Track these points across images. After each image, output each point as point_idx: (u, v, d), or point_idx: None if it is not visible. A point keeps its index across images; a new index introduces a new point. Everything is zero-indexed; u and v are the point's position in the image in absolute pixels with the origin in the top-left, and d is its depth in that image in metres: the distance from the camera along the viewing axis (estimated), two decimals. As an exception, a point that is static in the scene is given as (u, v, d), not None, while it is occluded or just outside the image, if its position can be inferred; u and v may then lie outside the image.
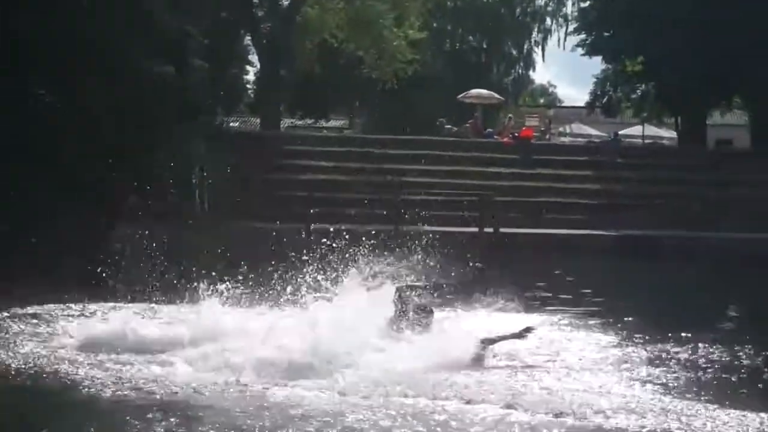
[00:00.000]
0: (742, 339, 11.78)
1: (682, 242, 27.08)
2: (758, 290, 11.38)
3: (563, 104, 77.22)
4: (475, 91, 44.12)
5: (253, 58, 43.59)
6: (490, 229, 27.05)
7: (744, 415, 8.29)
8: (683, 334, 11.96)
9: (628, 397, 8.95)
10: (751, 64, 36.95)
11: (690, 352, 11.19)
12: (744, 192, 32.47)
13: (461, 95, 44.03)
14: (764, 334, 12.27)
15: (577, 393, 8.96)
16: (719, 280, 11.77)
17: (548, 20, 48.98)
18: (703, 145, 43.42)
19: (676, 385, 9.57)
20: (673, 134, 50.03)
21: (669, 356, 10.98)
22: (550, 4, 44.96)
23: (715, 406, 8.60)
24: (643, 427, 7.93)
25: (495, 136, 40.43)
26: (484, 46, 52.74)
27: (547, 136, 46.69)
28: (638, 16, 38.98)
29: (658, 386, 9.41)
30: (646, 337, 11.76)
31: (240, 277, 12.35)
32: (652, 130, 54.36)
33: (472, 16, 55.20)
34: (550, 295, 16.86)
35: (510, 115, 43.85)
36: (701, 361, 10.79)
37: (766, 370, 10.56)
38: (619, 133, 49.57)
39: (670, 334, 11.86)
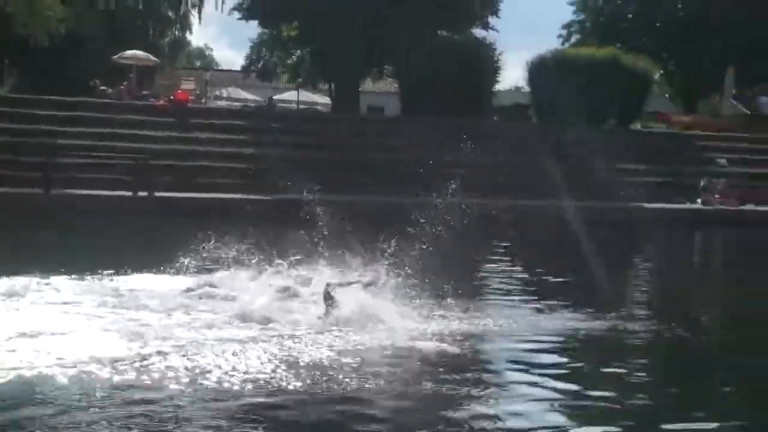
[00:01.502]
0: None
1: (337, 205, 27.94)
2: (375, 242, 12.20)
3: (220, 67, 77.47)
4: (130, 53, 43.32)
5: None
6: (145, 193, 26.91)
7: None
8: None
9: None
10: (398, 35, 38.68)
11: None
12: (392, 156, 33.83)
13: (116, 56, 43.15)
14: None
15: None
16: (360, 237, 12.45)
17: (205, -16, 48.42)
18: (356, 110, 44.89)
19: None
20: (327, 100, 51.28)
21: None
22: (207, -34, 44.59)
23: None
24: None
25: (151, 99, 40.02)
26: (141, 6, 51.80)
27: (203, 100, 46.73)
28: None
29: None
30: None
31: None
32: (307, 95, 55.47)
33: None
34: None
35: None
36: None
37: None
38: (275, 97, 50.35)
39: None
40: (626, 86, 41.32)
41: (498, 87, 46.25)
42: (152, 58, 44.95)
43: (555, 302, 12.78)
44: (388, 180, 30.18)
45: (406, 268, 11.61)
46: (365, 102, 50.65)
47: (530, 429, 7.26)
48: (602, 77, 39.96)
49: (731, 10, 50.77)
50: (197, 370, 8.31)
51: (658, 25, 57.48)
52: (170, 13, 40.31)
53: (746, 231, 30.91)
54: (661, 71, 55.75)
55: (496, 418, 7.44)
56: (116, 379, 7.95)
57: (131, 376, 8.06)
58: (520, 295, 14.05)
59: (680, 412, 7.90)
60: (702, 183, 35.45)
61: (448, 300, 11.79)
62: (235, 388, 7.92)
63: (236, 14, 43.91)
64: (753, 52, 49.97)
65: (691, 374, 9.66)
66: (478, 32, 44.57)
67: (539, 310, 12.25)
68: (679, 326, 11.56)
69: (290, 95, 54.85)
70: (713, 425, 7.60)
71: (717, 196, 34.93)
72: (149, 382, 7.94)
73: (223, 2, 40.78)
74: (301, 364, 8.74)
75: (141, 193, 27.17)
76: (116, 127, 32.94)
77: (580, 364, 9.56)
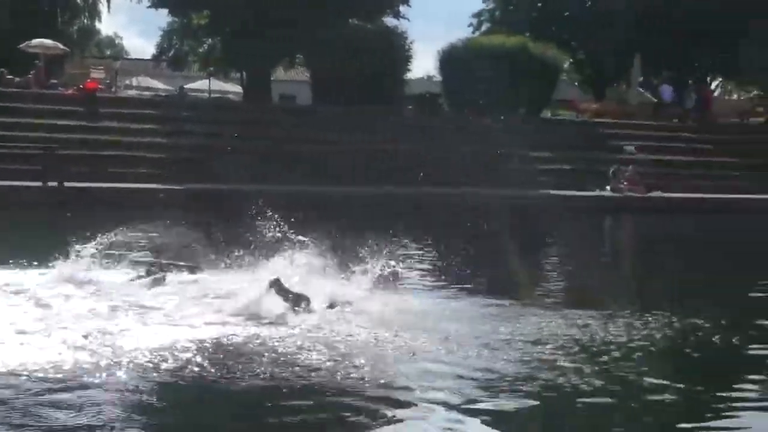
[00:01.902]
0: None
1: (247, 194, 27.90)
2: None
3: (130, 56, 76.57)
4: (37, 41, 42.50)
5: None
6: (55, 183, 26.55)
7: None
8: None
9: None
10: (309, 23, 38.78)
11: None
12: (305, 146, 33.86)
13: (23, 44, 42.38)
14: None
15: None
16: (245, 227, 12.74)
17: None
18: (268, 99, 44.80)
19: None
20: (239, 89, 51.08)
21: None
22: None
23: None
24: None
25: (60, 88, 39.42)
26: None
27: (113, 89, 46.19)
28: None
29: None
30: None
31: None
32: (218, 84, 55.18)
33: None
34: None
35: None
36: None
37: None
38: (186, 86, 49.98)
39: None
40: (536, 74, 41.53)
41: (409, 76, 46.58)
42: (61, 46, 44.17)
43: (433, 283, 13.32)
44: (301, 169, 30.16)
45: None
46: (278, 91, 50.56)
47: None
48: (512, 65, 39.92)
49: (637, 1, 51.71)
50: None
51: (567, 14, 58.31)
52: (79, 1, 39.66)
53: (653, 218, 31.54)
54: (570, 60, 56.47)
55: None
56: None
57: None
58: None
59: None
60: (611, 170, 35.77)
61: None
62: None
63: (146, 2, 43.49)
64: (658, 41, 50.91)
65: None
66: (390, 21, 44.73)
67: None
68: (520, 300, 12.15)
69: (202, 84, 54.53)
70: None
71: (625, 183, 35.24)
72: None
73: (132, -10, 40.30)
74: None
75: (51, 183, 26.81)
76: (24, 117, 32.42)
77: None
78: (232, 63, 47.58)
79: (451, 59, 42.85)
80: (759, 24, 48.47)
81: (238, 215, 13.67)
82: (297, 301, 11.18)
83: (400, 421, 7.19)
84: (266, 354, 8.90)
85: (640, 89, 52.43)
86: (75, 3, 40.14)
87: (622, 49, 51.14)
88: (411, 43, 43.07)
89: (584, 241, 24.38)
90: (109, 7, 50.79)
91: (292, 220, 12.53)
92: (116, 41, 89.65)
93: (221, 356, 8.78)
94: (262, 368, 8.41)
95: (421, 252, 17.52)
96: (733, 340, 10.47)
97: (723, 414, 7.84)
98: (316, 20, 39.03)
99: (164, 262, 13.36)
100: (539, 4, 60.13)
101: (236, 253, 12.74)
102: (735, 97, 68.25)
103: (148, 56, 58.46)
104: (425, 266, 15.94)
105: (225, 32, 43.44)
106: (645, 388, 8.30)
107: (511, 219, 23.87)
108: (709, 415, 7.84)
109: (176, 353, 8.75)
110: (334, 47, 39.34)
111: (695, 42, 51.05)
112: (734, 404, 8.08)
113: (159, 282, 12.52)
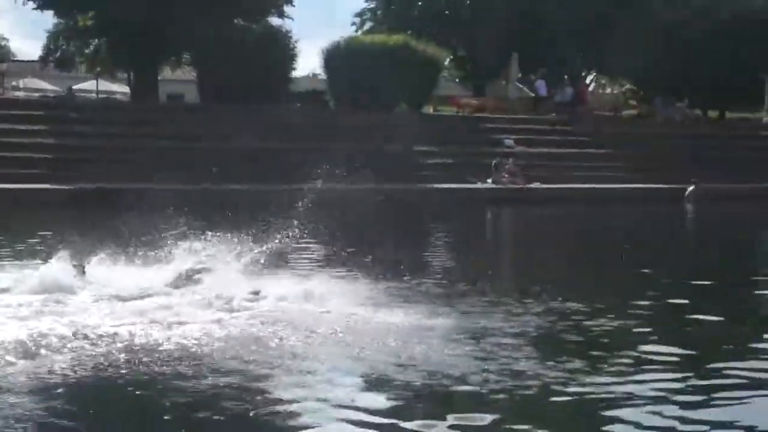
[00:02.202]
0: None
1: (131, 192, 27.98)
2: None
3: (17, 58, 75.47)
4: None
5: None
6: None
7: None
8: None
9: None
10: (194, 23, 39.07)
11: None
12: (194, 144, 34.06)
13: None
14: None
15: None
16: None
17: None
18: (156, 98, 44.88)
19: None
20: (127, 89, 50.94)
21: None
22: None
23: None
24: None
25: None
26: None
27: (1, 91, 45.85)
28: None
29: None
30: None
31: None
32: (106, 85, 54.91)
33: None
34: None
35: None
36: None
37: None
38: (74, 87, 49.75)
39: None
40: (417, 71, 42.01)
41: (295, 74, 46.94)
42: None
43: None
44: (188, 167, 30.26)
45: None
46: (165, 90, 50.62)
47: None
48: (394, 63, 40.55)
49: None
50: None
51: (447, 12, 59.35)
52: (-39, 3, 39.42)
53: (531, 208, 32.39)
54: (451, 57, 57.45)
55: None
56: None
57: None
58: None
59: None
60: (493, 163, 36.19)
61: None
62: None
63: (31, 4, 43.20)
64: (533, 39, 52.14)
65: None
66: (275, 21, 45.15)
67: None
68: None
69: (89, 85, 54.22)
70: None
71: (506, 175, 35.68)
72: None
73: (16, -8, 40.09)
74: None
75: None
76: None
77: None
78: (119, 63, 47.50)
79: (334, 57, 43.12)
80: (622, 22, 50.38)
81: (126, 213, 14.05)
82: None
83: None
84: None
85: (519, 85, 53.60)
86: (-43, 5, 39.81)
87: (501, 46, 52.33)
88: (296, 42, 43.67)
89: (460, 231, 25.25)
90: (-7, 10, 50.26)
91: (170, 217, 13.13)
92: (2, 44, 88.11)
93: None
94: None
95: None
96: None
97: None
98: (201, 20, 39.32)
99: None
100: (419, 3, 61.05)
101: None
102: (609, 90, 69.69)
103: (35, 58, 57.77)
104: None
105: (111, 33, 43.38)
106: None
107: (394, 212, 24.53)
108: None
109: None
110: (220, 47, 39.75)
111: (567, 40, 52.54)
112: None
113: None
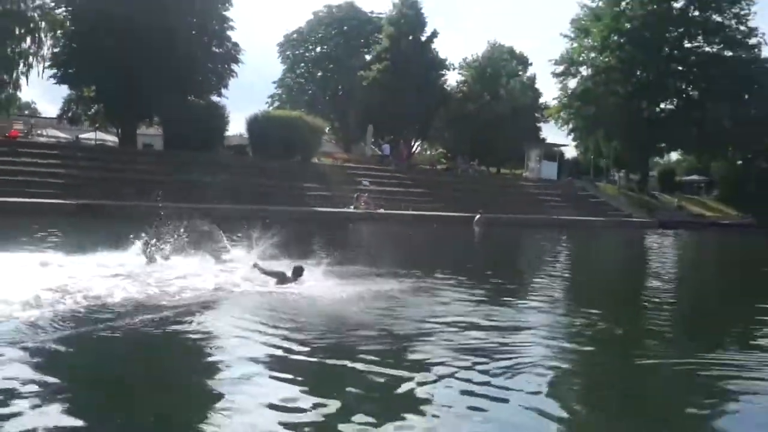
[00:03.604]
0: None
1: (113, 207, 27.41)
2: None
3: (41, 115, 73.16)
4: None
5: None
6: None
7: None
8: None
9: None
10: (161, 97, 39.00)
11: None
12: (156, 177, 33.55)
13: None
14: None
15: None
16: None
17: (31, 58, 45.84)
18: (135, 146, 44.35)
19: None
20: (116, 139, 50.05)
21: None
22: (32, 47, 42.60)
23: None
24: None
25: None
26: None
27: (30, 136, 44.68)
28: (98, 59, 38.89)
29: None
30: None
31: None
32: (102, 135, 53.87)
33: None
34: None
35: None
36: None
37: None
38: (80, 136, 48.68)
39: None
40: (308, 135, 42.14)
41: (227, 134, 46.68)
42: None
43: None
44: (149, 191, 29.71)
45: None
46: (141, 140, 49.98)
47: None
48: (293, 129, 40.82)
49: (366, 92, 53.77)
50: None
51: (327, 98, 60.12)
52: (5, 78, 38.10)
53: (378, 224, 31.70)
54: (329, 126, 58.04)
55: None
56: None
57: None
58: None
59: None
60: (354, 196, 36.14)
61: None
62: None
63: (52, 80, 42.40)
64: (385, 117, 52.61)
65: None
66: (215, 98, 44.98)
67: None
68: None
69: (91, 135, 52.96)
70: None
71: (363, 204, 35.52)
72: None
73: (43, 71, 39.24)
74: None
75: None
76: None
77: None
78: (111, 121, 46.84)
79: (254, 123, 42.73)
80: (439, 111, 51.68)
81: (110, 220, 13.86)
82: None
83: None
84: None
85: (372, 146, 54.45)
86: (3, 79, 38.59)
87: (361, 120, 53.17)
88: (228, 113, 43.27)
89: (333, 238, 24.75)
90: (27, 82, 48.72)
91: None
92: (32, 105, 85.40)
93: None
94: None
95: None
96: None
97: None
98: (167, 96, 39.22)
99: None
100: (309, 92, 61.62)
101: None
102: (428, 152, 70.30)
103: (54, 116, 56.18)
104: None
105: (106, 101, 42.94)
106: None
107: (290, 227, 23.72)
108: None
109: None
110: (179, 113, 39.42)
111: (405, 120, 53.45)
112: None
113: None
